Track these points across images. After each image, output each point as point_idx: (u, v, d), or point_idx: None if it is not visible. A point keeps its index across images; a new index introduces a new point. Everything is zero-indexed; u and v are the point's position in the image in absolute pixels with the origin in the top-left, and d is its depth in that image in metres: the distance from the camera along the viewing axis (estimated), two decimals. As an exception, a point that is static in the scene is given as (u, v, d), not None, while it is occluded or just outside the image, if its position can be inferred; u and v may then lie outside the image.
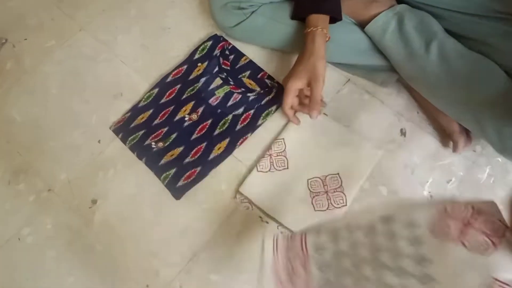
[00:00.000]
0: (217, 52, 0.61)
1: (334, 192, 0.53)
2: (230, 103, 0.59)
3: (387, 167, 0.54)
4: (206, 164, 0.55)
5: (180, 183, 0.53)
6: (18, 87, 0.62)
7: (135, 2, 0.67)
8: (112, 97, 0.61)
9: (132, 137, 0.57)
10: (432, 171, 0.54)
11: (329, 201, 0.53)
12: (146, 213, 0.54)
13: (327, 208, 0.52)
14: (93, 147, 0.58)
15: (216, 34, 0.62)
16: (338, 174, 0.54)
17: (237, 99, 0.59)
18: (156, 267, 0.51)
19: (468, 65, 0.48)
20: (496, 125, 0.45)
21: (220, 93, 0.59)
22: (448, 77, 0.48)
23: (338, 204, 0.52)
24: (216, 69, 0.61)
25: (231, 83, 0.60)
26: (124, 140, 0.57)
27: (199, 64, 0.61)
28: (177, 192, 0.53)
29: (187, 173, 0.54)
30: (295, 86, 0.50)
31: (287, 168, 0.55)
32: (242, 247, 0.51)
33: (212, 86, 0.60)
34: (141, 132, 0.57)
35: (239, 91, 0.59)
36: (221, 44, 0.62)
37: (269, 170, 0.55)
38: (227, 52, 0.62)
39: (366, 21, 0.54)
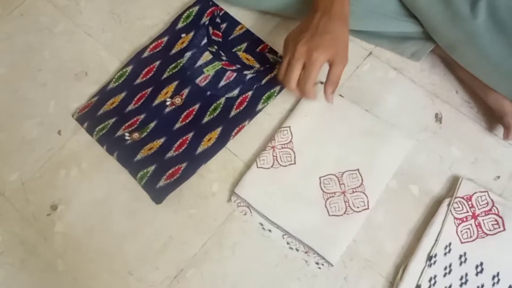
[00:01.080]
0: (205, 20, 0.49)
1: (353, 192, 0.43)
2: (222, 83, 0.47)
3: (419, 162, 0.43)
4: (193, 160, 0.44)
5: (161, 183, 0.42)
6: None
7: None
8: (74, 78, 0.49)
9: (100, 127, 0.45)
10: (475, 165, 0.43)
11: (346, 203, 0.42)
12: (119, 222, 0.43)
13: (344, 212, 0.42)
14: (52, 140, 0.46)
15: None
16: (358, 170, 0.43)
17: (231, 78, 0.47)
18: None
19: None
20: None
21: (209, 71, 0.48)
22: (502, 42, 0.39)
23: (358, 207, 0.42)
24: (205, 41, 0.48)
25: (224, 58, 0.48)
26: (90, 131, 0.46)
27: (183, 35, 0.49)
28: (158, 195, 0.42)
29: (170, 171, 0.43)
30: (324, 58, 0.38)
31: (294, 163, 0.44)
32: (239, 264, 0.41)
33: (199, 63, 0.48)
34: (112, 121, 0.46)
35: (234, 68, 0.47)
36: (210, 10, 0.49)
37: (271, 166, 0.44)
38: (218, 20, 0.50)
39: None
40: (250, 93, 0.46)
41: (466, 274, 0.40)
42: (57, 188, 0.44)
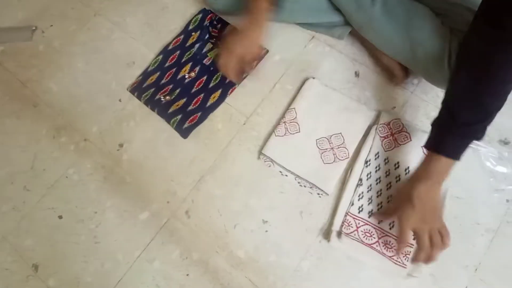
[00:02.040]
0: (206, 22, 0.73)
1: (338, 148, 0.62)
2: None
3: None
4: (205, 110, 0.68)
5: (186, 125, 0.67)
6: (51, 64, 0.75)
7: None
8: (126, 66, 0.74)
9: (145, 94, 0.70)
10: (379, 101, 0.66)
11: (334, 155, 0.62)
12: (162, 150, 0.67)
13: (333, 161, 0.62)
14: (116, 105, 0.71)
15: (204, 8, 0.74)
16: (340, 133, 0.63)
17: None
18: (173, 188, 0.64)
19: (405, 11, 0.57)
20: (426, 57, 0.55)
21: (211, 55, 0.72)
22: (390, 23, 0.58)
23: (342, 157, 0.62)
24: (207, 36, 0.73)
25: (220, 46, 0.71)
26: (139, 97, 0.70)
27: (193, 33, 0.73)
28: (184, 133, 0.67)
29: (191, 117, 0.67)
30: (231, 64, 0.60)
31: (299, 132, 0.64)
32: (236, 170, 0.65)
33: (204, 50, 0.72)
34: (152, 90, 0.70)
35: None
36: (209, 16, 0.73)
37: (284, 135, 0.64)
38: (215, 22, 0.74)
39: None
40: None
41: (389, 170, 0.60)
42: (122, 133, 0.69)
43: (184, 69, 0.71)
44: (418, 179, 0.48)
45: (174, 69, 0.72)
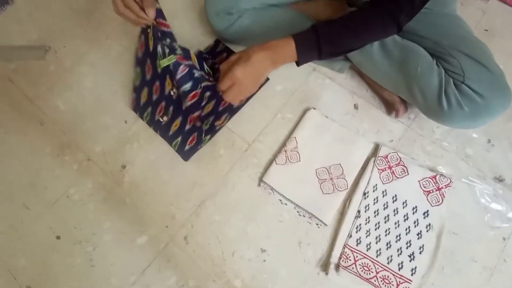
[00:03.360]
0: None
1: (338, 178, 0.62)
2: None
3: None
4: (200, 130, 0.64)
5: (187, 147, 0.66)
6: (61, 83, 0.76)
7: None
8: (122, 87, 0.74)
9: (145, 113, 0.69)
10: (376, 134, 0.67)
11: (333, 186, 0.62)
12: (164, 174, 0.67)
13: (332, 192, 0.61)
14: (121, 126, 0.71)
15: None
16: (340, 164, 0.64)
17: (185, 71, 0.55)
18: (173, 213, 0.63)
19: (400, 49, 0.59)
20: (421, 92, 0.56)
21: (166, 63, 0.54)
22: (387, 60, 0.60)
23: (341, 188, 0.61)
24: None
25: (178, 52, 0.54)
26: (141, 116, 0.70)
27: (148, 30, 0.56)
28: (186, 155, 0.66)
29: (190, 138, 0.65)
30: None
31: (300, 161, 0.64)
32: (236, 196, 0.64)
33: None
34: (149, 109, 0.67)
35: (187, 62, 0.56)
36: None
37: (285, 163, 0.64)
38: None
39: (325, 20, 0.62)
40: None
41: (387, 202, 0.61)
42: (125, 155, 0.69)
43: (167, 82, 0.61)
44: (262, 47, 0.52)
45: (158, 83, 0.63)
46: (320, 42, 0.51)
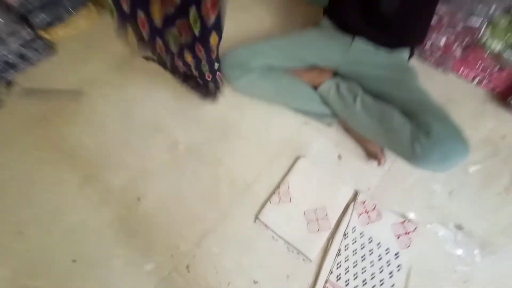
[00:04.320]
0: None
1: (322, 219, 0.72)
2: None
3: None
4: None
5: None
6: (91, 123, 0.89)
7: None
8: (154, 131, 0.87)
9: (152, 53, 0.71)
10: (357, 181, 0.78)
11: (318, 226, 0.71)
12: (172, 207, 0.76)
13: (317, 231, 0.70)
14: (139, 162, 0.82)
15: None
16: (325, 207, 0.74)
17: None
18: (177, 243, 0.72)
19: (378, 108, 0.72)
20: (396, 141, 0.68)
21: None
22: (368, 117, 0.73)
23: (325, 228, 0.71)
24: None
25: None
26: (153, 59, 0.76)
27: None
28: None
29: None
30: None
31: (290, 202, 0.74)
32: (234, 231, 0.73)
33: None
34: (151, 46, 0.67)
35: None
36: None
37: (278, 203, 0.74)
38: None
39: (318, 85, 0.82)
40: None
41: (364, 243, 0.70)
42: (141, 188, 0.79)
43: (153, 7, 0.56)
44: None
45: (142, 13, 0.58)
46: None
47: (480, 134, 0.85)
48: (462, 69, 0.95)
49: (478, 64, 0.92)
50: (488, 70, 0.91)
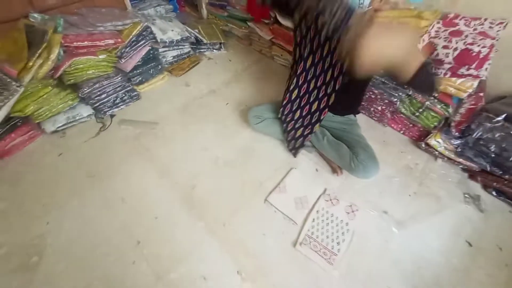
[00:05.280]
0: None
1: (305, 203, 1.24)
2: None
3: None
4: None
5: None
6: (164, 144, 1.45)
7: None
8: (214, 163, 1.44)
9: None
10: (327, 184, 1.28)
11: (302, 206, 1.24)
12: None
13: (301, 208, 1.22)
14: (188, 187, 1.36)
15: None
16: (306, 196, 1.26)
17: None
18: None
19: (335, 144, 1.27)
20: (345, 162, 1.22)
21: None
22: (331, 149, 1.28)
23: (306, 207, 1.25)
24: None
25: None
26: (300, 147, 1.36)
27: None
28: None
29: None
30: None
31: (286, 192, 1.24)
32: (252, 213, 1.23)
33: None
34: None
35: None
36: None
37: (279, 193, 1.23)
38: None
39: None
40: None
41: (328, 217, 1.17)
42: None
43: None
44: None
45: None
46: None
47: (402, 162, 1.40)
48: (392, 124, 1.56)
49: (401, 122, 1.52)
50: (407, 125, 1.51)
